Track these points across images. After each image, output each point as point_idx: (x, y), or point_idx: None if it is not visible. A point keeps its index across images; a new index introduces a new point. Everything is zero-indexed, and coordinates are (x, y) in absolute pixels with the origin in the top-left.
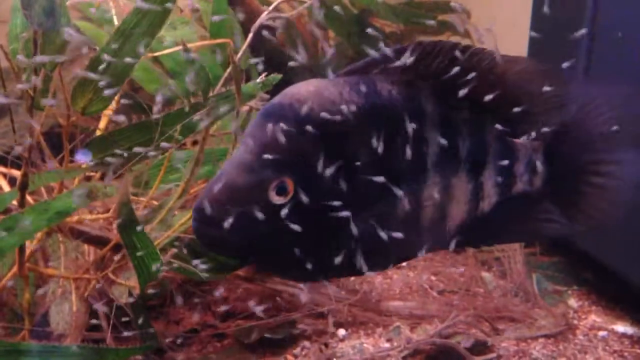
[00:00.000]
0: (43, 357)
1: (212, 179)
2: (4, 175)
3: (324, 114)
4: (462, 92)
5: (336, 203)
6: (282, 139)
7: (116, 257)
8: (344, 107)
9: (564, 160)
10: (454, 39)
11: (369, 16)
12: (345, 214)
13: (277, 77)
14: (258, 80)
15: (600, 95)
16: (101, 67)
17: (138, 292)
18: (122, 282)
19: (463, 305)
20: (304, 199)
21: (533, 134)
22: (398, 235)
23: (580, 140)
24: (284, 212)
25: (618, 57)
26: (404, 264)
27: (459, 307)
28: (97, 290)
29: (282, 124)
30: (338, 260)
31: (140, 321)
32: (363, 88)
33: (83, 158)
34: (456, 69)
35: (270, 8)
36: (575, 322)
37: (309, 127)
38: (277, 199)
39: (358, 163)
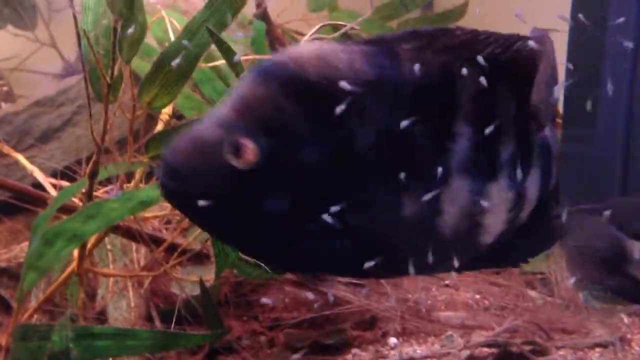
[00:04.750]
0: (116, 340)
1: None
2: (54, 186)
3: (319, 81)
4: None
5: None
6: (261, 98)
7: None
8: (349, 78)
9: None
10: None
11: None
12: (321, 198)
13: None
14: None
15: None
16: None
17: (212, 282)
18: (184, 278)
19: (514, 317)
20: (272, 170)
21: None
22: (394, 237)
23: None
24: (246, 178)
25: None
26: (446, 281)
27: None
28: (150, 289)
29: (266, 83)
30: (309, 250)
31: (208, 313)
32: (381, 60)
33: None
34: (501, 59)
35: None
36: (629, 336)
37: (296, 92)
38: (236, 162)
39: (356, 144)
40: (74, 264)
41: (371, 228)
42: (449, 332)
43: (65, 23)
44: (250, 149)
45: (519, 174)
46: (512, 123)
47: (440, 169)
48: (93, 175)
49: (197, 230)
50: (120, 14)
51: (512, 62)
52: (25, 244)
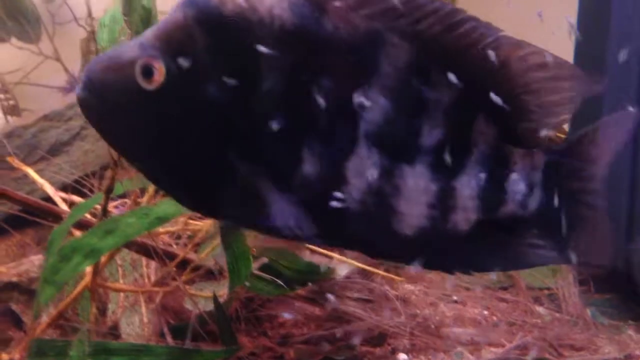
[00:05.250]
0: (132, 356)
1: None
2: (65, 200)
3: (234, 18)
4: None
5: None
6: (177, 24)
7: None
8: (265, 22)
9: (566, 182)
10: None
11: None
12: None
13: None
14: None
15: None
16: None
17: (225, 297)
18: (197, 293)
19: (523, 333)
20: (177, 95)
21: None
22: (289, 193)
23: (586, 163)
24: (153, 99)
25: None
26: (454, 297)
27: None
28: (161, 304)
29: (185, 10)
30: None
31: (222, 328)
32: (304, 12)
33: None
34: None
35: None
36: (637, 352)
37: (209, 24)
38: (143, 81)
39: (258, 89)
40: (86, 279)
41: (266, 177)
42: (459, 349)
43: (70, 36)
44: (158, 70)
45: (446, 167)
46: (444, 113)
47: (344, 133)
48: (109, 190)
49: (210, 246)
50: (137, 31)
51: (454, 44)
52: (35, 258)
